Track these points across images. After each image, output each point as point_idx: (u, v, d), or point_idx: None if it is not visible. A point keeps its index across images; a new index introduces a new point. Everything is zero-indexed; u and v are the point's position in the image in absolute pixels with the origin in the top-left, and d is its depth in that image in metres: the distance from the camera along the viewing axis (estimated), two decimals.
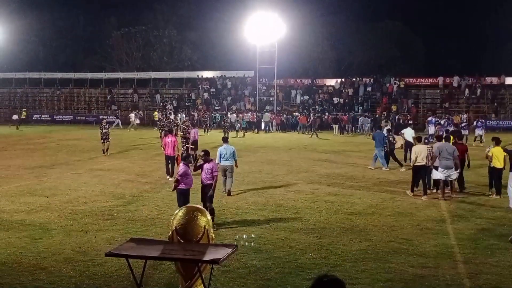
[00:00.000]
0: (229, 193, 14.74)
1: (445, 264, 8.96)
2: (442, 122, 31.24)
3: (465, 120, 35.69)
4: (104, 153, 24.15)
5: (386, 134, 20.43)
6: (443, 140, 15.91)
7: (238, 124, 39.49)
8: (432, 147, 14.86)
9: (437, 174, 14.45)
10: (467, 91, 45.53)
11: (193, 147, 20.23)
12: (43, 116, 53.01)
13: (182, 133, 21.90)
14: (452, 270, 8.65)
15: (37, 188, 15.77)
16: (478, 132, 30.46)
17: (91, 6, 69.37)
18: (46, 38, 65.92)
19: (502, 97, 45.36)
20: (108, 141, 24.39)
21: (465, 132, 30.07)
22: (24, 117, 47.85)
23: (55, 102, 57.41)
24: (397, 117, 38.42)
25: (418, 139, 15.96)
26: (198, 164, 12.43)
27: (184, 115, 43.33)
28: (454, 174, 14.34)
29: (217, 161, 14.33)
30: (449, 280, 8.24)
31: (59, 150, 26.81)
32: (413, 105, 45.63)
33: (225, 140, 15.69)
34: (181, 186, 11.13)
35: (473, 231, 11.02)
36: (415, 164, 14.72)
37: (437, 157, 14.22)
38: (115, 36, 64.44)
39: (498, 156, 14.12)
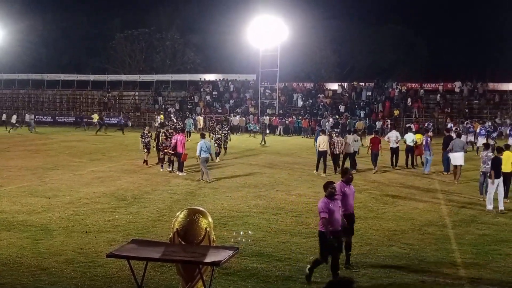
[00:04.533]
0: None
1: (446, 269, 8.95)
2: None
3: (487, 127, 30.20)
4: (147, 164, 21.13)
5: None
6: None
7: (257, 127, 41.13)
8: (339, 139, 19.79)
9: (452, 161, 18.26)
10: (466, 92, 45.26)
11: (172, 152, 19.54)
12: (45, 117, 52.99)
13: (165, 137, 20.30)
14: (453, 275, 8.64)
15: (38, 189, 15.80)
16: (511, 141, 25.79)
17: (94, 8, 69.42)
18: (49, 40, 65.94)
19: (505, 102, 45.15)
20: (150, 151, 21.36)
21: (481, 139, 26.70)
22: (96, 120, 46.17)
23: (57, 103, 57.46)
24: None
25: (323, 132, 21.54)
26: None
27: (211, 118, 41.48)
28: (461, 162, 17.91)
29: (197, 154, 17.61)
30: (450, 285, 8.24)
31: (60, 151, 26.84)
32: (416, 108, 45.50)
33: (203, 136, 18.85)
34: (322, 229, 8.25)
35: (474, 236, 11.01)
36: (319, 150, 19.47)
37: (349, 145, 19.64)
38: (118, 38, 64.46)
39: (506, 161, 14.20)
